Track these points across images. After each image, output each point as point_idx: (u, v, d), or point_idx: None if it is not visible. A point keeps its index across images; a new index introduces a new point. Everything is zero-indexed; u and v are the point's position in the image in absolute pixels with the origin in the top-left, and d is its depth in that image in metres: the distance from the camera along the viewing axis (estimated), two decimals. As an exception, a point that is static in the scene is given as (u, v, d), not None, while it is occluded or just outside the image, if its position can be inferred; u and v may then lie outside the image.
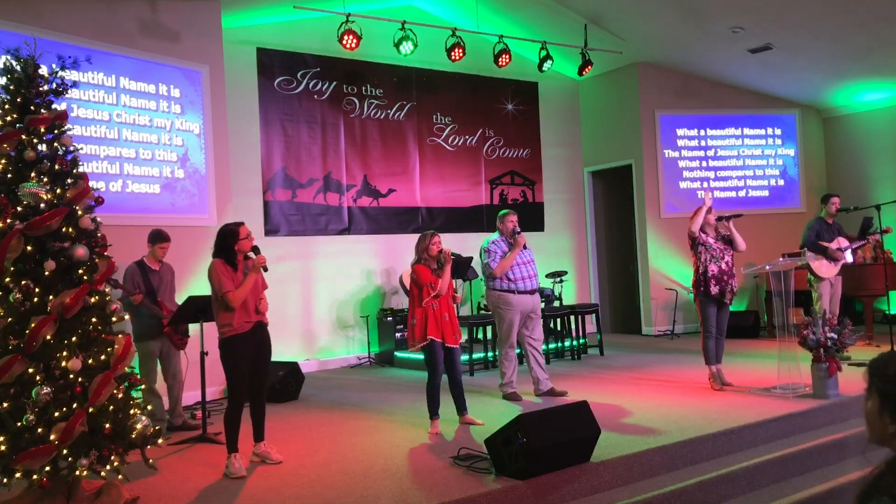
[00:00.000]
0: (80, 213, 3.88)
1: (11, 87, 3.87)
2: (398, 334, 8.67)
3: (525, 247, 6.24)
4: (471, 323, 8.15)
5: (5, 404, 3.53)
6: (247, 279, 4.45)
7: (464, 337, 6.56)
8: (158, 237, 5.84)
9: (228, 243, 4.51)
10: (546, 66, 9.03)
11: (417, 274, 5.25)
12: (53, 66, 4.05)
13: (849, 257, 7.71)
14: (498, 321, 6.28)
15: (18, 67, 3.89)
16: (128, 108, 6.71)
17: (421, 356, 8.13)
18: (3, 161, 3.78)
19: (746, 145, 11.03)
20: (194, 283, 6.58)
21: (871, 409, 1.70)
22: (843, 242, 7.67)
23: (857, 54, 9.35)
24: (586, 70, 9.27)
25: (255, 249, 4.58)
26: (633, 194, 10.83)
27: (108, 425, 3.67)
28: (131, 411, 3.86)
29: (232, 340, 4.45)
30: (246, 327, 4.47)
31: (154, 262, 5.84)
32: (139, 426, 3.83)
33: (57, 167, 3.86)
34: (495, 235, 6.31)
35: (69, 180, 3.90)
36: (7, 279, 3.66)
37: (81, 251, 3.77)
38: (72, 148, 3.99)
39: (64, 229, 3.77)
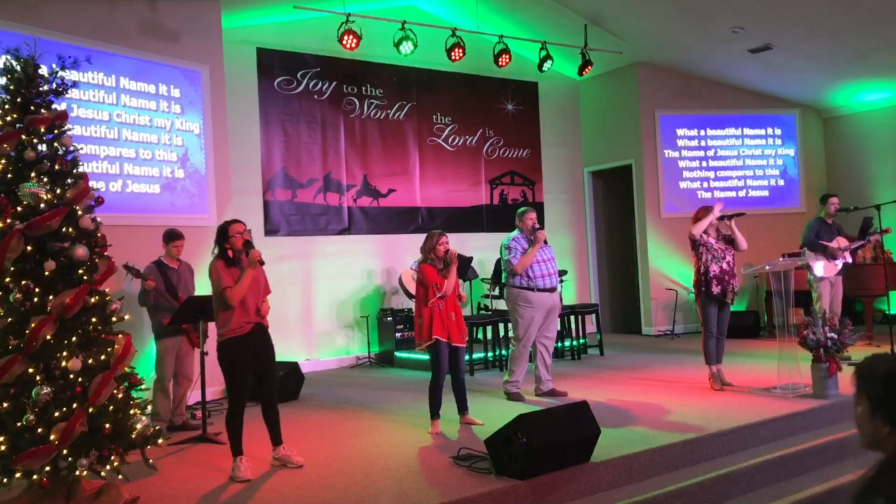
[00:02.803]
0: (80, 213, 3.88)
1: (11, 87, 3.87)
2: (398, 334, 8.68)
3: (546, 243, 6.25)
4: (471, 323, 8.14)
5: (5, 404, 3.53)
6: (244, 275, 4.35)
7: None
8: (171, 236, 5.94)
9: (220, 242, 4.46)
10: (546, 66, 9.03)
11: (423, 274, 5.23)
12: (53, 66, 4.05)
13: (847, 256, 7.70)
14: (515, 319, 6.24)
15: (18, 67, 3.90)
16: (128, 108, 6.71)
17: (423, 356, 8.19)
18: (3, 161, 3.79)
19: (746, 145, 11.02)
20: (195, 283, 6.57)
21: (862, 414, 1.69)
22: (843, 243, 7.66)
23: (857, 54, 9.35)
24: (586, 70, 9.26)
25: (248, 244, 4.44)
26: (633, 194, 10.83)
27: (108, 425, 3.67)
28: (131, 411, 3.86)
29: (231, 342, 4.36)
30: (246, 328, 4.39)
31: (172, 260, 5.95)
32: (139, 426, 3.83)
33: (57, 167, 3.87)
34: (515, 233, 6.29)
35: (69, 180, 3.91)
36: (7, 279, 3.66)
37: (81, 251, 3.77)
38: (72, 148, 4.00)
39: (64, 229, 3.78)
